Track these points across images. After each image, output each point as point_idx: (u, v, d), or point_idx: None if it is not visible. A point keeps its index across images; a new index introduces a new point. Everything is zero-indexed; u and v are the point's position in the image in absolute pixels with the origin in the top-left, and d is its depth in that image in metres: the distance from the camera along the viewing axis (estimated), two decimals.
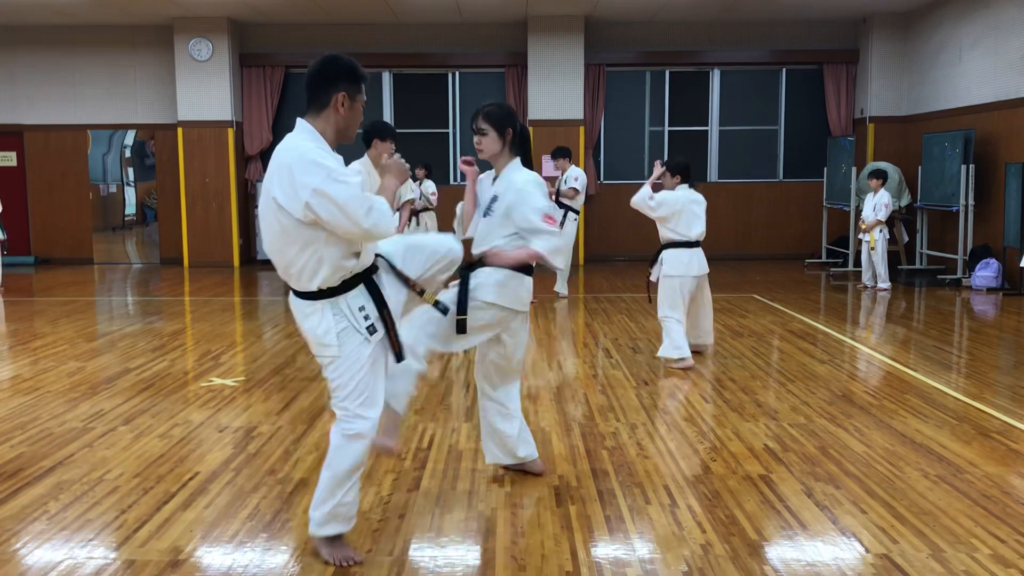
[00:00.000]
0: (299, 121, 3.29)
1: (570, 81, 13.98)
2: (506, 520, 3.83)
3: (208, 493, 4.16)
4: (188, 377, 6.61)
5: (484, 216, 4.06)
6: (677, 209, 6.85)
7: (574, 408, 5.68)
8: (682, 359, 6.83)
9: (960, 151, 11.50)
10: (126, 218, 15.26)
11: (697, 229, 6.89)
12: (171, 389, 6.22)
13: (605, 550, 3.55)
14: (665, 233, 6.97)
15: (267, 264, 14.27)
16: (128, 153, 15.03)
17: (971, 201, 11.48)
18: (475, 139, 4.06)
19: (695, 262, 6.90)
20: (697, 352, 7.23)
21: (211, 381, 6.45)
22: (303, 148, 3.19)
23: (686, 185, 6.98)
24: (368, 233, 3.15)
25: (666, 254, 6.94)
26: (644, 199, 6.92)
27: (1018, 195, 10.46)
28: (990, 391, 6.04)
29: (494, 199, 4.01)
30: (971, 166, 11.42)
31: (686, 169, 7.03)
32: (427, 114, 14.76)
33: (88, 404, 5.79)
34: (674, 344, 6.83)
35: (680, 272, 6.84)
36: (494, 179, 4.10)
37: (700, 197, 6.99)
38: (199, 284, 12.25)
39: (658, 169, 7.08)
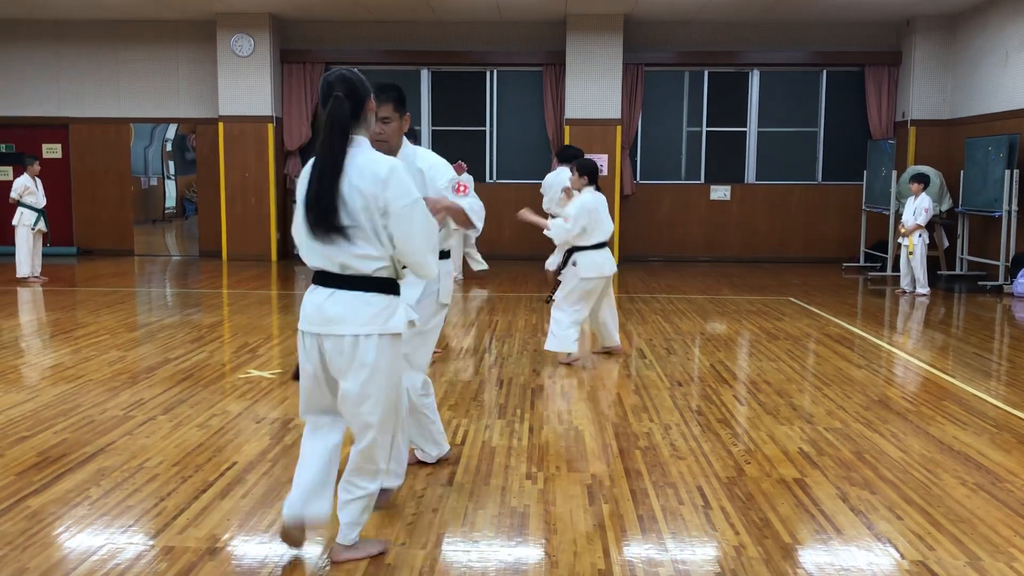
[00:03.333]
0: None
1: (608, 80, 13.95)
2: (539, 517, 3.84)
3: (245, 483, 4.22)
4: (226, 368, 6.70)
5: None
6: (591, 211, 6.80)
7: (608, 408, 5.68)
8: (570, 353, 7.00)
9: (1004, 156, 11.32)
10: (166, 211, 15.47)
11: (607, 230, 6.93)
12: (209, 380, 6.30)
13: (638, 549, 3.55)
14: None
15: None
16: (169, 147, 15.23)
17: (1014, 207, 11.29)
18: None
19: (607, 262, 6.99)
20: (608, 352, 7.30)
21: (248, 373, 6.53)
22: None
23: (592, 188, 6.90)
24: None
25: (580, 257, 6.90)
26: (564, 232, 6.76)
27: None
28: None
29: None
30: (1015, 171, 11.24)
31: (594, 171, 6.94)
32: (465, 112, 14.80)
33: (128, 393, 5.89)
34: (569, 339, 6.94)
35: (595, 274, 6.88)
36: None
37: (603, 198, 6.98)
38: (237, 277, 12.40)
39: (574, 178, 6.96)
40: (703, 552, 3.52)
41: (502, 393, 6.04)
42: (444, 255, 4.22)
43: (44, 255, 12.03)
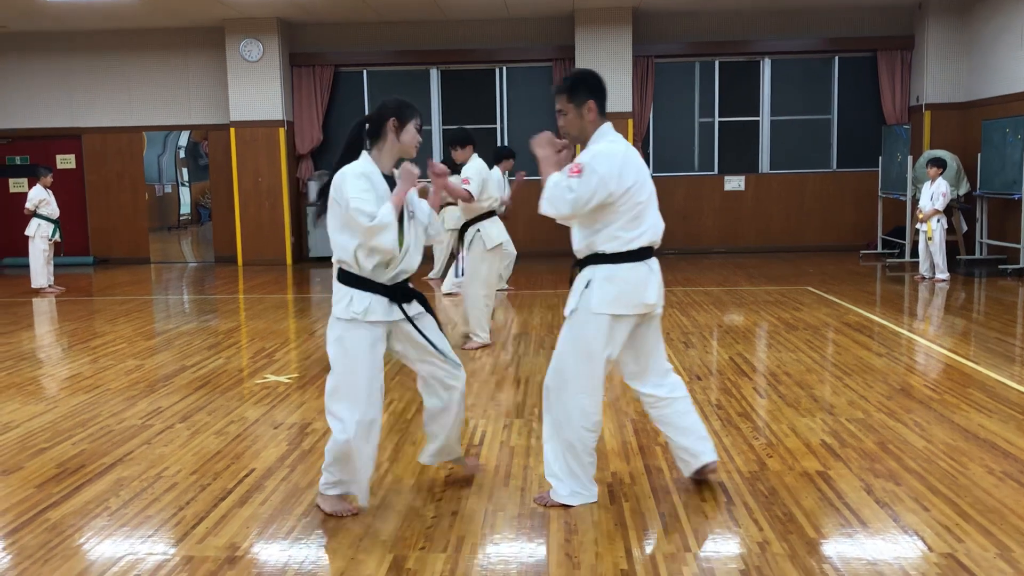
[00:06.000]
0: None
1: (618, 73, 13.87)
2: (559, 517, 3.81)
3: (264, 490, 4.21)
4: (243, 374, 6.70)
5: None
6: (485, 177, 7.04)
7: (626, 404, 5.63)
8: (484, 342, 7.26)
9: (1022, 137, 11.18)
10: (181, 218, 15.51)
11: (496, 194, 7.18)
12: (227, 386, 6.30)
13: (660, 547, 3.51)
14: (473, 207, 7.11)
15: (319, 261, 14.41)
16: (182, 154, 15.28)
17: None
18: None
19: (504, 230, 7.29)
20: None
21: (265, 378, 6.53)
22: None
23: (476, 154, 7.17)
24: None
25: (484, 227, 7.11)
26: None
27: None
28: None
29: None
30: None
31: (474, 140, 7.26)
32: (475, 110, 14.76)
33: (146, 402, 5.90)
34: (480, 326, 7.19)
35: (501, 240, 7.15)
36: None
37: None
38: (253, 282, 12.42)
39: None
40: (727, 549, 3.48)
41: (519, 392, 6.00)
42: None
43: (60, 265, 12.10)
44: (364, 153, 3.76)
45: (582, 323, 3.78)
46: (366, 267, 3.68)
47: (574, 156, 3.92)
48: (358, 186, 3.60)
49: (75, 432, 5.21)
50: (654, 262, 3.88)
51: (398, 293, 3.76)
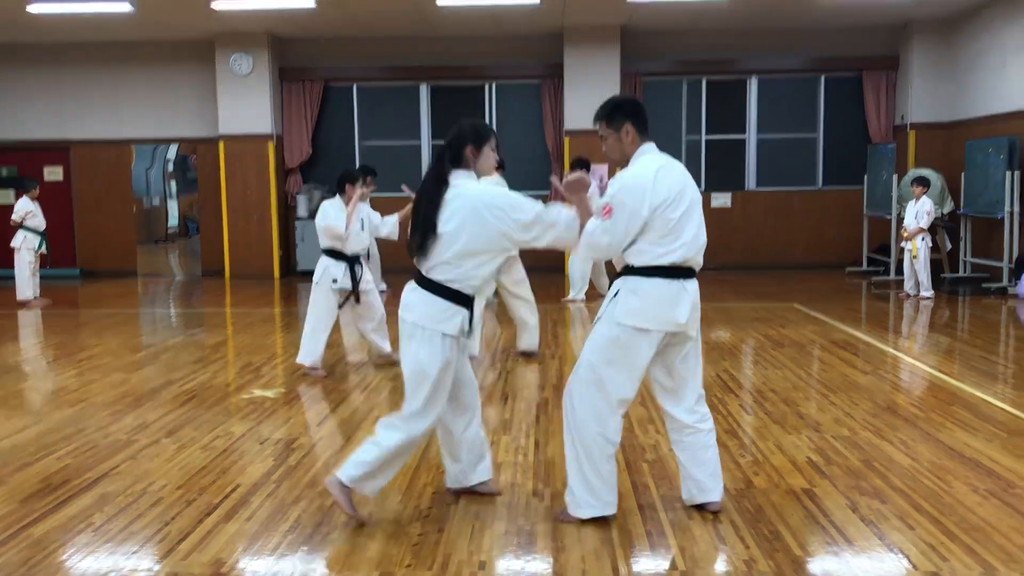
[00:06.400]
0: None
1: (606, 91, 13.88)
2: (546, 534, 3.81)
3: (250, 505, 4.19)
4: (230, 389, 6.68)
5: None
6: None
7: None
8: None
9: (1004, 157, 11.29)
10: (169, 231, 15.48)
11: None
12: (213, 401, 6.28)
13: (647, 565, 3.52)
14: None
15: (307, 276, 14.37)
16: (171, 167, 15.27)
17: (1016, 208, 11.26)
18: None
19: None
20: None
21: (252, 393, 6.51)
22: None
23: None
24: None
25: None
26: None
27: None
28: None
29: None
30: (1016, 172, 11.21)
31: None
32: None
33: (132, 416, 5.87)
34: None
35: None
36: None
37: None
38: (240, 296, 12.39)
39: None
40: (713, 567, 3.49)
41: (507, 409, 6.00)
42: None
43: (47, 277, 12.04)
44: (459, 171, 3.89)
45: (605, 331, 3.82)
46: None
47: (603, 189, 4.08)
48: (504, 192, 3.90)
49: (59, 446, 5.19)
50: (691, 282, 3.82)
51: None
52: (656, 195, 3.70)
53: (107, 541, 3.79)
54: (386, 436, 3.86)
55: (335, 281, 6.98)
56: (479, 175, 3.95)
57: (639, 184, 3.72)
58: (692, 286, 3.83)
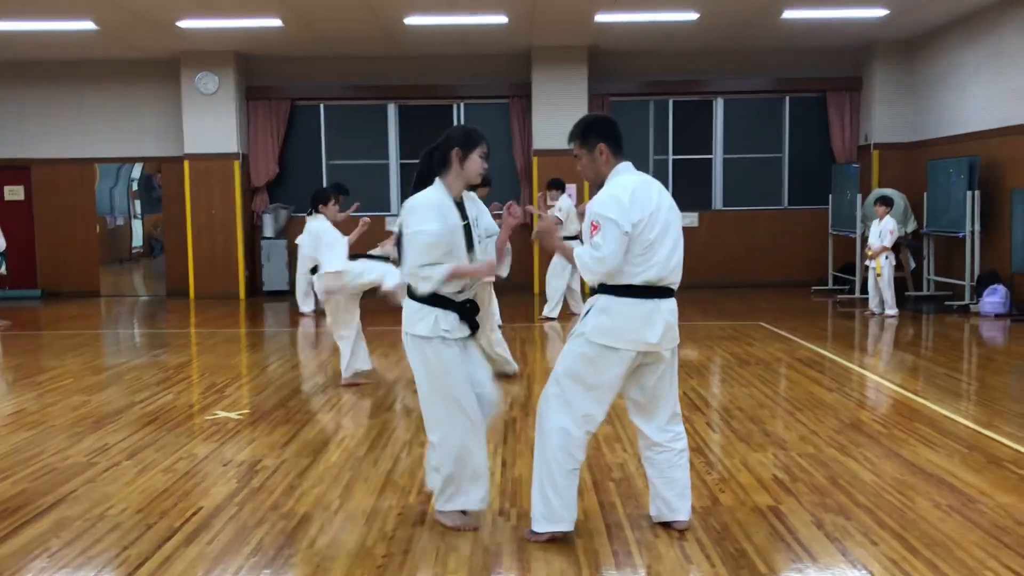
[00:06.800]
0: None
1: (574, 111, 14.00)
2: (512, 555, 3.78)
3: (211, 528, 4.12)
4: (193, 410, 6.58)
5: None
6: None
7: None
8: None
9: (965, 177, 11.49)
10: (133, 250, 15.30)
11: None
12: (176, 422, 6.19)
13: None
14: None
15: (273, 295, 14.28)
16: (135, 186, 15.10)
17: (977, 227, 11.44)
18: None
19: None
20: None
21: (216, 414, 6.42)
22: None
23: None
24: None
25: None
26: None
27: None
28: (1001, 419, 5.97)
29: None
30: (977, 192, 11.40)
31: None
32: None
33: (92, 438, 5.76)
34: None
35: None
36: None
37: None
38: (205, 316, 12.25)
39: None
40: None
41: None
42: None
43: (7, 298, 11.84)
44: (437, 180, 3.99)
45: (575, 348, 3.80)
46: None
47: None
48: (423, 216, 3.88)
49: (16, 470, 5.07)
50: (667, 302, 3.78)
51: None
52: (633, 213, 3.66)
53: (64, 567, 3.70)
54: (433, 457, 4.07)
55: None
56: (466, 181, 4.01)
57: (617, 201, 3.68)
58: (668, 305, 3.80)
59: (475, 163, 3.98)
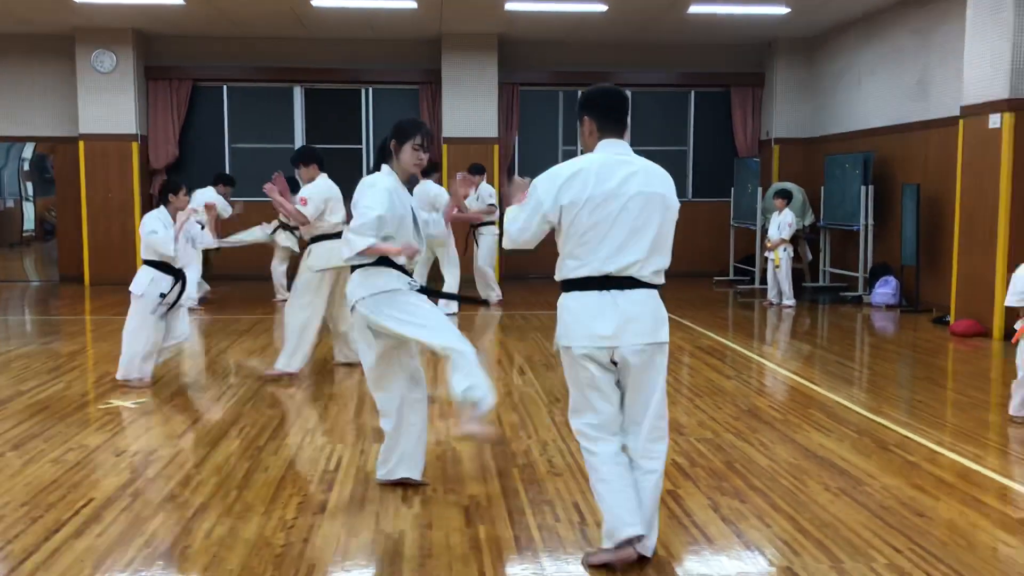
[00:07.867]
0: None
1: (484, 99, 14.01)
2: (414, 542, 3.76)
3: (102, 521, 3.99)
4: (86, 399, 6.35)
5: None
6: (328, 196, 6.93)
7: (486, 427, 5.63)
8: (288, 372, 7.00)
9: (860, 172, 11.91)
10: (24, 234, 14.67)
11: (341, 216, 6.99)
12: (67, 412, 5.96)
13: (514, 570, 3.52)
14: (314, 228, 6.97)
15: None
16: (27, 167, 14.47)
17: (871, 221, 11.88)
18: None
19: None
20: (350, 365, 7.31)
21: (110, 403, 6.21)
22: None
23: (324, 174, 7.06)
24: None
25: (315, 247, 6.98)
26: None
27: (914, 215, 10.86)
28: (889, 405, 6.22)
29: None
30: (870, 187, 11.83)
31: (321, 158, 7.13)
32: (340, 130, 14.60)
33: None
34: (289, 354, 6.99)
35: (331, 264, 6.77)
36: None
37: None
38: (100, 303, 11.83)
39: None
40: (578, 570, 3.52)
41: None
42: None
43: None
44: (385, 166, 4.34)
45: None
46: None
47: None
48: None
49: None
50: (627, 293, 3.39)
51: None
52: (567, 192, 3.39)
53: None
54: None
55: (163, 296, 6.65)
56: (403, 171, 4.33)
57: (553, 176, 3.47)
58: (628, 297, 3.40)
59: (407, 154, 4.27)
